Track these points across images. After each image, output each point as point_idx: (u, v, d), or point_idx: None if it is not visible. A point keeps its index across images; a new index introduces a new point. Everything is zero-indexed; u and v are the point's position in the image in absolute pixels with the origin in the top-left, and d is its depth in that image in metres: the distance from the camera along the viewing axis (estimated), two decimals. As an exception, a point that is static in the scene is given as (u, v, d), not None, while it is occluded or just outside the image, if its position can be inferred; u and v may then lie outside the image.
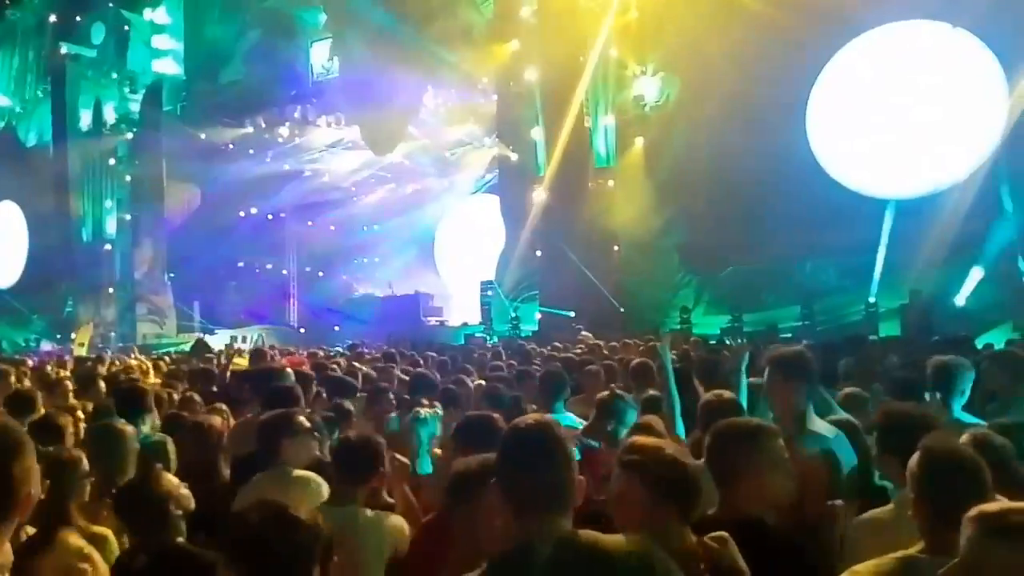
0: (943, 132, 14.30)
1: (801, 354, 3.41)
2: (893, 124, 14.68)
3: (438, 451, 4.06)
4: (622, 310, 16.39)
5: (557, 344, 10.74)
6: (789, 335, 13.46)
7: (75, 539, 2.67)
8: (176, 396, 5.73)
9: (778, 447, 2.56)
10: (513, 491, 1.88)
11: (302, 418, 3.67)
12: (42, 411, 4.50)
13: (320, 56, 23.01)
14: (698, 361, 5.42)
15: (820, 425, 3.20)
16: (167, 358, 11.92)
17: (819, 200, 14.61)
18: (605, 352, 8.72)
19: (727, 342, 13.67)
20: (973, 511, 1.76)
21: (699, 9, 16.19)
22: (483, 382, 5.75)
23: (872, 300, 14.42)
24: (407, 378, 6.24)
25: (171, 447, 3.73)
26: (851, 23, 14.86)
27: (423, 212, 25.16)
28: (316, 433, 3.70)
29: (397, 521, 3.05)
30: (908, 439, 2.44)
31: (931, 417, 3.05)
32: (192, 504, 2.85)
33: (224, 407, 4.94)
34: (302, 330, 22.58)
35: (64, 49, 26.77)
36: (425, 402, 4.62)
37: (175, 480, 2.94)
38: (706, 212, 16.03)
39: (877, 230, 14.15)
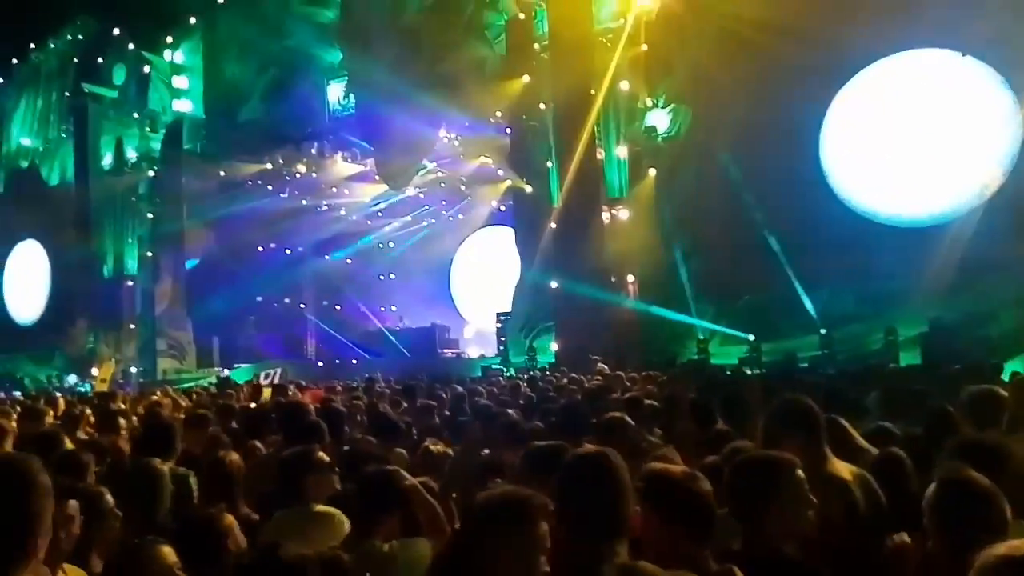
0: (956, 157, 14.31)
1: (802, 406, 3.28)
2: (907, 150, 14.72)
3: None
4: (639, 340, 16.35)
5: (574, 376, 10.73)
6: (807, 364, 13.37)
7: None
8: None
9: (798, 479, 2.56)
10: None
11: (322, 454, 3.71)
12: (68, 446, 4.55)
13: (336, 93, 23.43)
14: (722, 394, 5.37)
15: (839, 467, 3.14)
16: (193, 395, 11.99)
17: (834, 227, 14.60)
18: (627, 383, 8.70)
19: (746, 372, 13.65)
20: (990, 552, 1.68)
21: (707, 41, 16.39)
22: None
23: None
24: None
25: (193, 481, 3.77)
26: (859, 52, 14.97)
27: (438, 245, 25.35)
28: (336, 469, 3.73)
29: (416, 553, 3.05)
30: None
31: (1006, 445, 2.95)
32: (244, 544, 2.87)
33: (255, 442, 4.97)
34: (320, 364, 22.66)
35: (86, 90, 27.47)
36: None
37: (231, 518, 2.96)
38: (721, 241, 16.04)
39: (893, 256, 14.05)
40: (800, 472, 2.58)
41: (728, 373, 13.17)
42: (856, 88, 15.43)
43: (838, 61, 15.01)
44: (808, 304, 15.18)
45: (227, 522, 2.84)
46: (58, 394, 11.70)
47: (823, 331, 14.78)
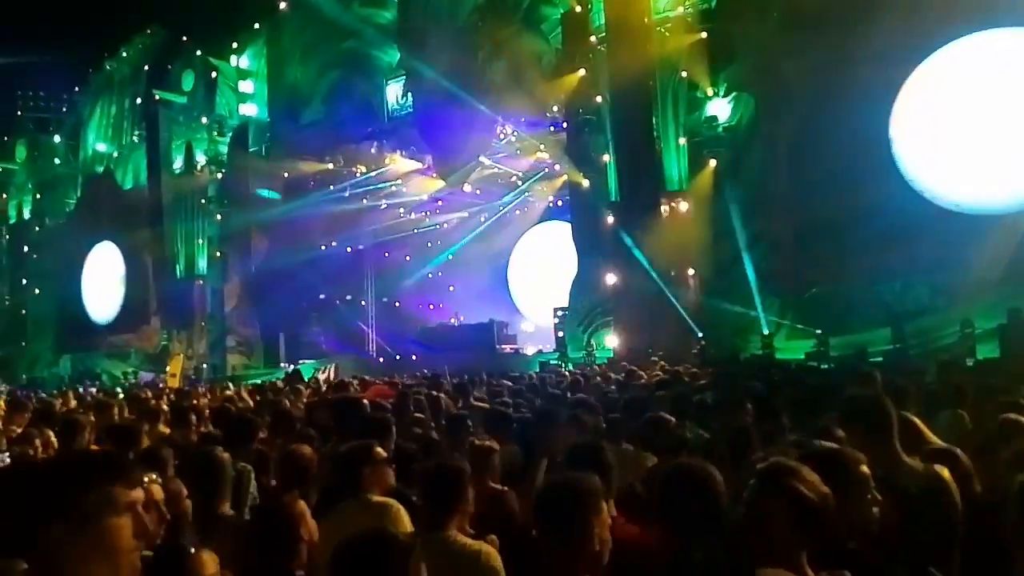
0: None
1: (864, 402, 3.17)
2: (981, 135, 14.01)
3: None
4: (700, 336, 16.04)
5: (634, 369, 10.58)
6: (880, 359, 12.87)
7: None
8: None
9: (858, 472, 2.45)
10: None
11: (379, 448, 3.73)
12: (146, 443, 4.70)
13: (395, 93, 23.72)
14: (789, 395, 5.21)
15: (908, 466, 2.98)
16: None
17: (907, 217, 14.02)
18: (686, 379, 8.53)
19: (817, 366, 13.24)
20: None
21: (770, 27, 15.96)
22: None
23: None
24: (485, 406, 6.27)
25: (251, 477, 3.86)
26: (928, 36, 14.34)
27: (496, 240, 25.42)
28: (393, 463, 3.75)
29: (488, 554, 3.00)
30: None
31: None
32: (316, 529, 2.92)
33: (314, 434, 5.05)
34: (380, 359, 23.00)
35: (157, 96, 28.53)
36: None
37: (303, 504, 3.02)
38: (786, 232, 15.59)
39: (969, 246, 13.39)
40: (864, 467, 2.48)
41: (793, 367, 12.79)
42: (926, 72, 14.76)
43: (906, 45, 14.39)
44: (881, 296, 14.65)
45: (299, 508, 2.91)
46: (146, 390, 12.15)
47: (895, 324, 14.20)
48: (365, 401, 5.69)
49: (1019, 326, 12.39)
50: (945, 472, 2.88)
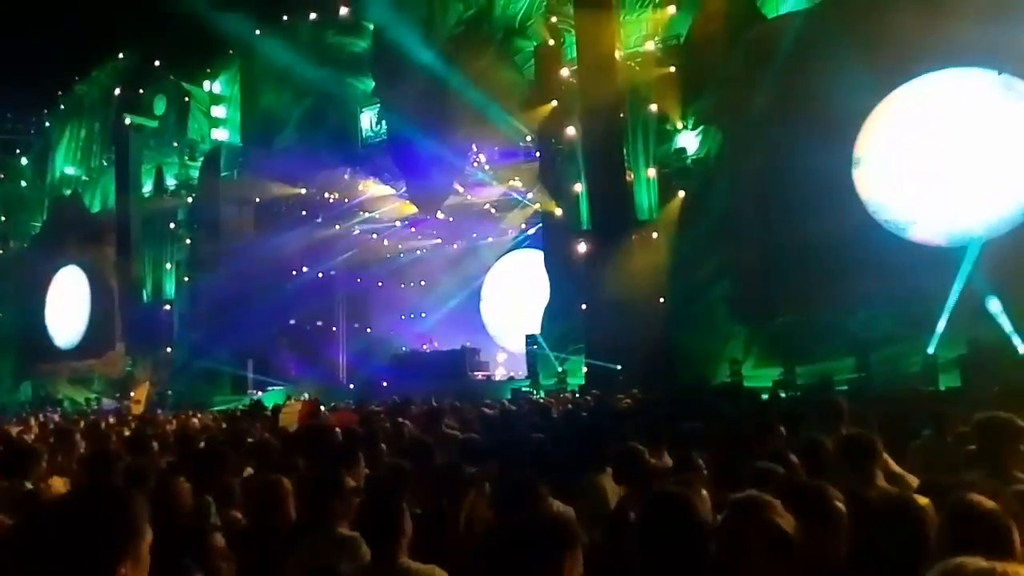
0: (995, 175, 14.04)
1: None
2: (944, 169, 14.45)
3: None
4: (670, 363, 16.18)
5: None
6: (845, 387, 13.09)
7: None
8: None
9: (834, 507, 2.53)
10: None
11: (348, 478, 3.73)
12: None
13: (369, 120, 23.83)
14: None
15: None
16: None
17: (871, 248, 14.36)
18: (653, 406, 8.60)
19: (780, 395, 13.43)
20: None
21: (737, 62, 16.38)
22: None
23: (931, 351, 13.97)
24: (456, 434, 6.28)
25: (212, 510, 3.84)
26: (894, 72, 14.82)
27: (468, 267, 25.50)
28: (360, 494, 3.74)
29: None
30: None
31: None
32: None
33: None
34: (351, 386, 22.80)
35: (128, 120, 28.31)
36: None
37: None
38: (753, 262, 15.86)
39: (932, 277, 13.76)
40: (837, 503, 2.55)
41: (764, 397, 12.95)
42: (891, 107, 15.23)
43: (872, 81, 14.85)
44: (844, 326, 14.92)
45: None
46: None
47: (859, 353, 14.47)
48: (337, 430, 5.67)
49: (978, 355, 12.71)
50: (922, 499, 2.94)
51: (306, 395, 17.47)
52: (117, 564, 1.67)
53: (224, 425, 9.54)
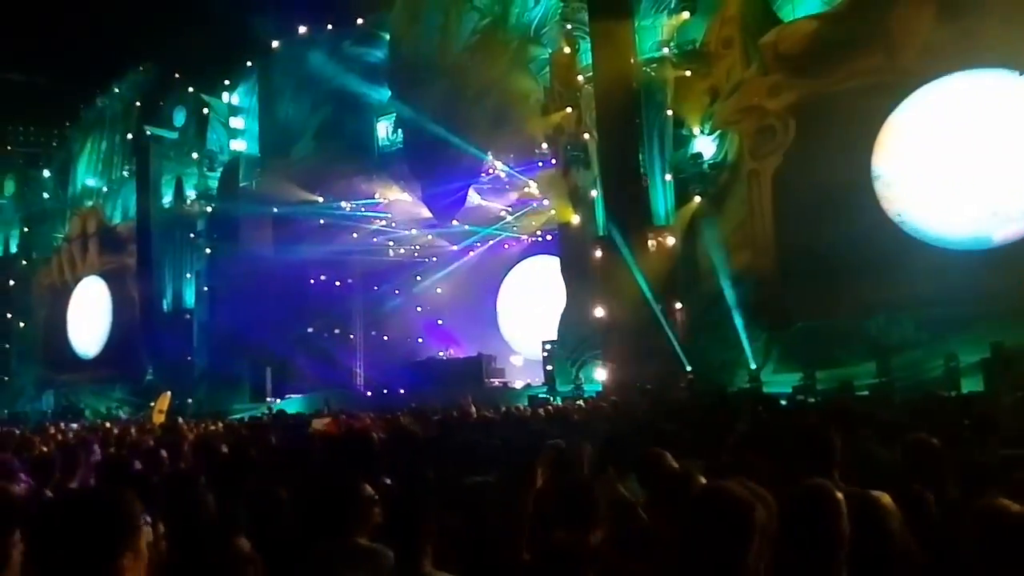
0: (1018, 177, 13.86)
1: None
2: (965, 171, 14.29)
3: None
4: (689, 369, 16.09)
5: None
6: (866, 392, 12.95)
7: None
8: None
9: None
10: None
11: (366, 485, 3.72)
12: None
13: (385, 129, 23.98)
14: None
15: None
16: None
17: (891, 251, 14.23)
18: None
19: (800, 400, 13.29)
20: None
21: (754, 66, 16.32)
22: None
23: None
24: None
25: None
26: (912, 74, 14.69)
27: (484, 274, 25.49)
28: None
29: None
30: None
31: None
32: None
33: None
34: (369, 394, 22.87)
35: (148, 132, 28.69)
36: None
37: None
38: (772, 267, 15.75)
39: (953, 280, 13.57)
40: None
41: (783, 403, 12.83)
42: (910, 109, 15.09)
43: (890, 83, 14.74)
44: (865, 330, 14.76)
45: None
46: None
47: (880, 358, 14.29)
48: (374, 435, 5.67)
49: (1002, 360, 12.52)
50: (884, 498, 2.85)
51: (326, 408, 17.52)
52: (119, 555, 1.85)
53: (244, 432, 9.60)
